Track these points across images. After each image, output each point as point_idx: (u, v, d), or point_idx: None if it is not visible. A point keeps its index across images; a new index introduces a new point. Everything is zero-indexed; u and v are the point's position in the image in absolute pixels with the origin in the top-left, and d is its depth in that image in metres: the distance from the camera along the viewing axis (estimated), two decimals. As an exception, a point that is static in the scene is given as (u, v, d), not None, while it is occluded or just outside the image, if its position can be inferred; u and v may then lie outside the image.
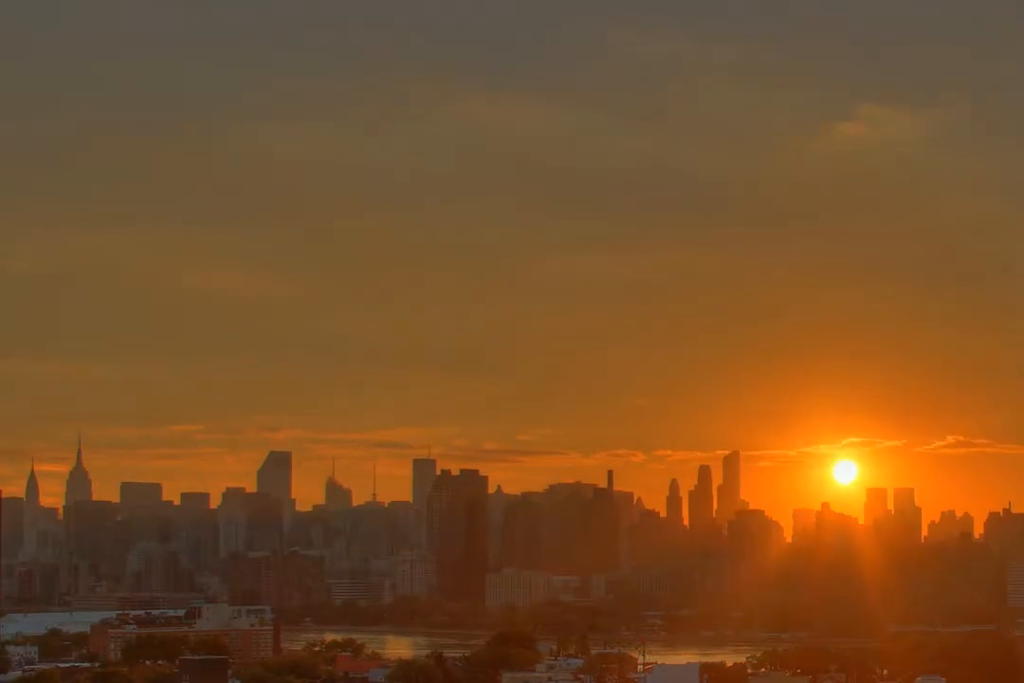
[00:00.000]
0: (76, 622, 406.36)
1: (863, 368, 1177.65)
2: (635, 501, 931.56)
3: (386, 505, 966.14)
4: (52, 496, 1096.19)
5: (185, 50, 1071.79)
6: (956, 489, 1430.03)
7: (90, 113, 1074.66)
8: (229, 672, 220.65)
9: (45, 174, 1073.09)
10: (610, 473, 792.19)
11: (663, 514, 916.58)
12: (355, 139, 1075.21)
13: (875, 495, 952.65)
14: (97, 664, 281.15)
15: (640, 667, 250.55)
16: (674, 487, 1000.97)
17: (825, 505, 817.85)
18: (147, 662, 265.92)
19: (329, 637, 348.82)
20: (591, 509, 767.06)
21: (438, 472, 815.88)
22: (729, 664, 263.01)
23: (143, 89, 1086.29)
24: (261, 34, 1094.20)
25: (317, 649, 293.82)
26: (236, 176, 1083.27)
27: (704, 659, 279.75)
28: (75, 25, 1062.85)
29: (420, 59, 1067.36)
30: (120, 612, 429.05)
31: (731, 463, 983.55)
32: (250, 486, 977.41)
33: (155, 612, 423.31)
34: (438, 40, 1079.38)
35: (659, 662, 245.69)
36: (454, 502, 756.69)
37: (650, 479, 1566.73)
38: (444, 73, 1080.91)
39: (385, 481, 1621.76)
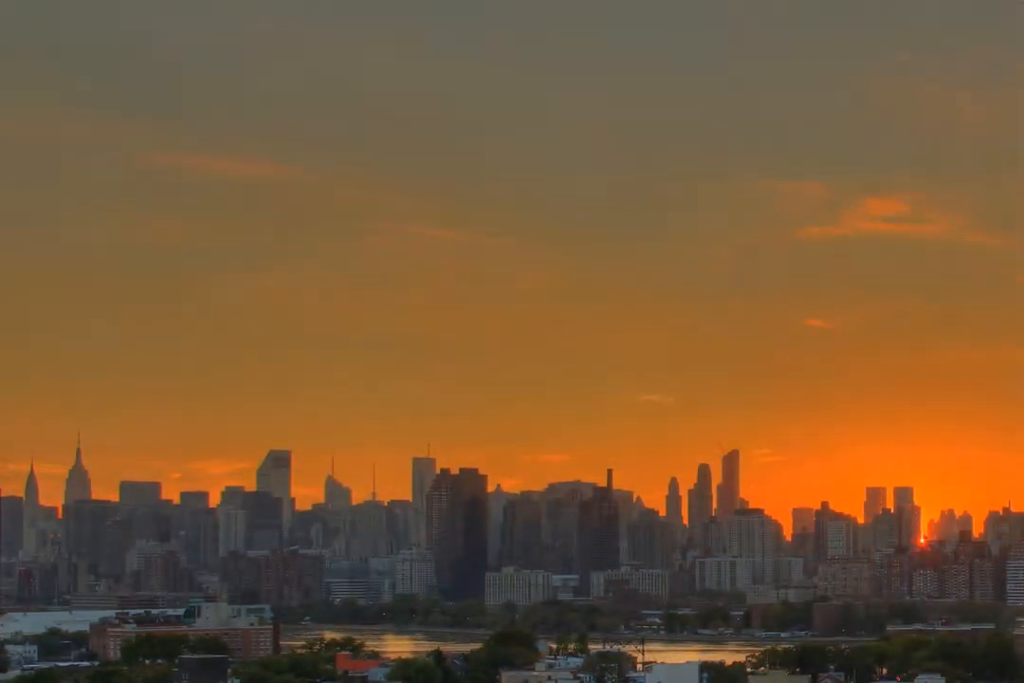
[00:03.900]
0: (76, 621, 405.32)
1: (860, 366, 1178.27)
2: (635, 500, 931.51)
3: (386, 504, 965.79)
4: (51, 496, 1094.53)
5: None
6: (956, 489, 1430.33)
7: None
8: (228, 671, 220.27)
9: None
10: (609, 472, 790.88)
11: (662, 513, 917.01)
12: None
13: (874, 494, 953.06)
14: (97, 663, 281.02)
15: (639, 666, 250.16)
16: (673, 486, 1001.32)
17: (825, 504, 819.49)
18: (147, 661, 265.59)
19: (328, 636, 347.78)
20: (590, 508, 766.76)
21: (437, 471, 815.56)
22: (729, 663, 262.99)
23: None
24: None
25: (316, 648, 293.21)
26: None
27: (703, 658, 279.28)
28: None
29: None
30: (119, 611, 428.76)
31: (730, 462, 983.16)
32: (249, 485, 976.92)
33: (154, 611, 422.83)
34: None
35: (658, 661, 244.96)
36: (454, 501, 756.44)
37: (650, 478, 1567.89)
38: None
39: (385, 479, 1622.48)
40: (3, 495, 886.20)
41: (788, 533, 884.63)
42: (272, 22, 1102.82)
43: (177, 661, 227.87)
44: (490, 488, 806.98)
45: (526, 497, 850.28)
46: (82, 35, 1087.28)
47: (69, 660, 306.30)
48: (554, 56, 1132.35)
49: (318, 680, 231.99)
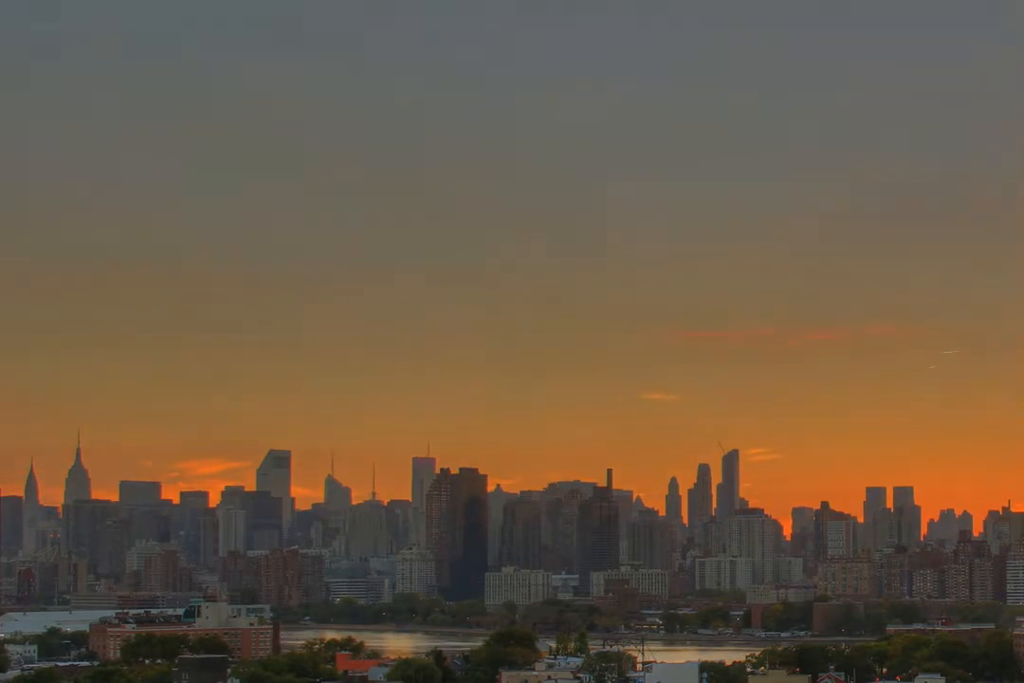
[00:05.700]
0: (75, 621, 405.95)
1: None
2: (634, 499, 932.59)
3: (386, 504, 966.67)
4: (51, 496, 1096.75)
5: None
6: (956, 489, 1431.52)
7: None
8: (228, 671, 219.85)
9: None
10: (609, 471, 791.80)
11: (662, 513, 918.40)
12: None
13: (874, 494, 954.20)
14: (96, 663, 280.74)
15: (639, 666, 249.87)
16: (673, 486, 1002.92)
17: (825, 504, 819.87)
18: (146, 661, 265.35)
19: (328, 636, 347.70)
20: (590, 508, 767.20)
21: (437, 471, 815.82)
22: (728, 663, 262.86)
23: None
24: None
25: (316, 648, 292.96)
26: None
27: (703, 658, 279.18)
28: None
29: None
30: (119, 611, 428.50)
31: (730, 462, 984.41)
32: (249, 485, 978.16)
33: (154, 611, 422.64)
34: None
35: (658, 661, 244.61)
36: (454, 501, 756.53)
37: (650, 478, 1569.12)
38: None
39: (385, 479, 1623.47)
40: (3, 495, 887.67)
41: (788, 533, 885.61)
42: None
43: (177, 661, 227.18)
44: (490, 488, 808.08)
45: (526, 497, 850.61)
46: None
47: (69, 660, 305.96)
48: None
49: (318, 680, 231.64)
